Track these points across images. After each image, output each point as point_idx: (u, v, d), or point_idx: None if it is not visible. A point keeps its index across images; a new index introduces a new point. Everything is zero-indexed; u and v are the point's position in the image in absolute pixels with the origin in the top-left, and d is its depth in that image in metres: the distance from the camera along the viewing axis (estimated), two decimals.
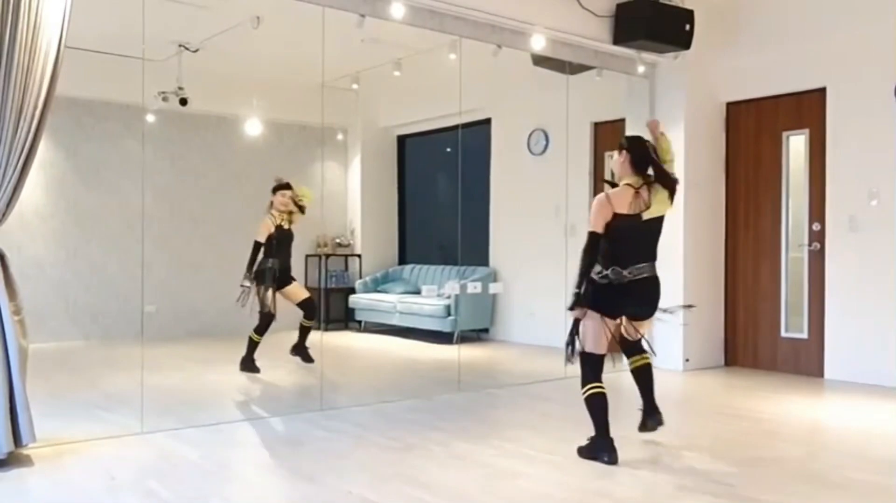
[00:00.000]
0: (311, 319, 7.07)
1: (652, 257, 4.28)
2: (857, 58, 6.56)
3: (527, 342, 8.65)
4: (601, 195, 4.24)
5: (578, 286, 4.10)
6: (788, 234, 7.17)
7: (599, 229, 4.13)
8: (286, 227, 6.91)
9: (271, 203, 6.90)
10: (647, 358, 4.52)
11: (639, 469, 4.07)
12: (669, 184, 4.21)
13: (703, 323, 7.37)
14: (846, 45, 6.62)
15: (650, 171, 4.25)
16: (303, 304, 7.04)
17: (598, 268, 4.19)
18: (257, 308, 6.74)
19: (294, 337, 7.10)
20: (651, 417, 4.49)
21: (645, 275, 4.21)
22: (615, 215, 4.15)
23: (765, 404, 5.79)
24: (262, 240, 6.75)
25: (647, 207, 4.17)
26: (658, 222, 4.28)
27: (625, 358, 4.60)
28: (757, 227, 7.37)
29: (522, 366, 7.56)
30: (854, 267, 6.57)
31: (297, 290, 7.07)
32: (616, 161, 4.35)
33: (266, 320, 6.77)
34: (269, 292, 6.79)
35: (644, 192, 4.19)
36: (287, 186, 6.92)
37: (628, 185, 4.23)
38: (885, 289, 6.35)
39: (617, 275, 4.14)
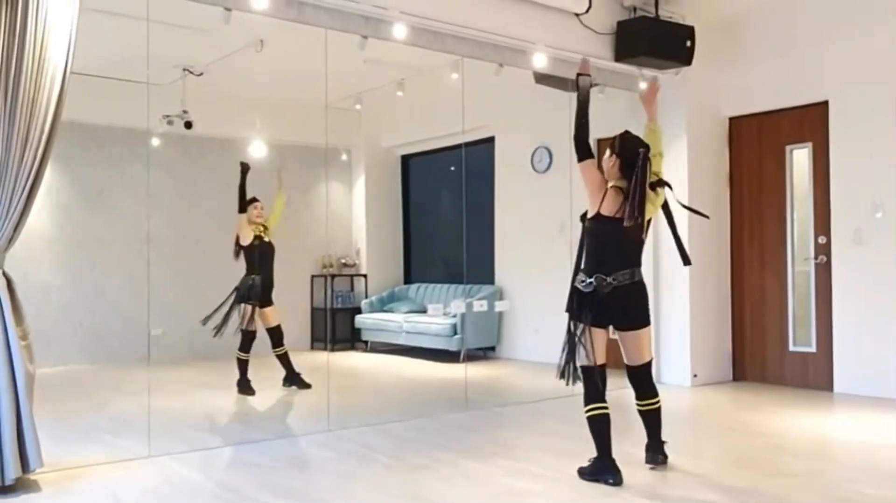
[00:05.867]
0: (278, 347, 7.00)
1: (635, 263, 4.18)
2: (858, 70, 6.57)
3: (533, 360, 8.62)
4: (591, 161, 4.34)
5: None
6: (794, 248, 7.15)
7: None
8: (267, 238, 6.92)
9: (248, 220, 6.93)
10: (658, 403, 4.35)
11: (648, 486, 4.04)
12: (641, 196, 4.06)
13: (710, 338, 7.35)
14: (847, 58, 6.63)
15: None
16: (269, 332, 6.97)
17: (581, 276, 4.16)
18: (241, 326, 6.77)
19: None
20: (656, 454, 4.35)
21: (628, 282, 4.12)
22: (599, 216, 4.14)
23: (774, 419, 5.75)
24: (242, 239, 6.85)
25: (627, 217, 4.03)
26: (640, 228, 4.11)
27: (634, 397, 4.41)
28: (762, 241, 7.36)
29: (529, 384, 7.52)
30: (861, 279, 6.55)
31: (270, 316, 6.97)
32: (605, 161, 4.32)
33: (246, 337, 6.78)
34: (248, 308, 6.78)
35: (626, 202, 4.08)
36: (255, 199, 6.97)
37: (618, 188, 4.21)
38: (894, 301, 6.33)
39: (601, 282, 4.08)
